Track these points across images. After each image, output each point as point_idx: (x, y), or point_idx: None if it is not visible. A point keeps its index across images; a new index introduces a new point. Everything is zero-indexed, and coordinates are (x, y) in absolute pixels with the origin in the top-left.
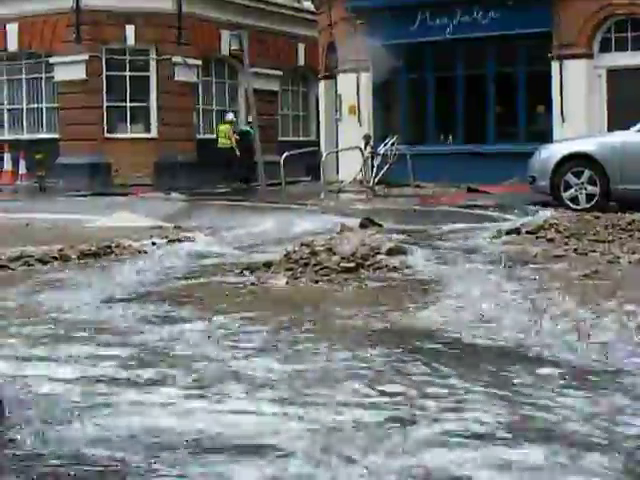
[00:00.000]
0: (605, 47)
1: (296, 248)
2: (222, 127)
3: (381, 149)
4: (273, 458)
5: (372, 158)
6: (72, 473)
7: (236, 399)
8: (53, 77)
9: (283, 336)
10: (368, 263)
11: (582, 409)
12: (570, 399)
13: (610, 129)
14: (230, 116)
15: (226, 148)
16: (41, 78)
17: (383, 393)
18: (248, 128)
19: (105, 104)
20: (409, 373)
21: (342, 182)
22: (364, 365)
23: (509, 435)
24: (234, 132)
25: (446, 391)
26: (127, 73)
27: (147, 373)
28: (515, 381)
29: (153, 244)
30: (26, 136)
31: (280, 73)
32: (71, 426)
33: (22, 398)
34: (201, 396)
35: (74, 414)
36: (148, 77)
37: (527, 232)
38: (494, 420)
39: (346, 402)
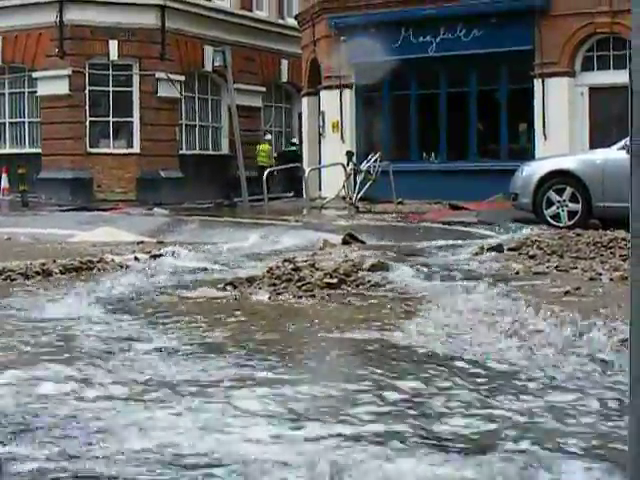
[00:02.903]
0: (587, 65)
1: (279, 264)
2: (264, 147)
3: (364, 166)
4: None
5: (355, 174)
6: None
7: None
8: (36, 91)
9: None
10: (350, 279)
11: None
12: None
13: (592, 147)
14: (269, 136)
15: (264, 166)
16: (24, 92)
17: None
18: (293, 147)
19: (88, 119)
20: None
21: (325, 198)
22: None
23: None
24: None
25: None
26: (110, 88)
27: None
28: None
29: (136, 259)
30: (8, 150)
31: (263, 89)
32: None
33: None
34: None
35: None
36: (131, 92)
37: (509, 249)
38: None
39: None
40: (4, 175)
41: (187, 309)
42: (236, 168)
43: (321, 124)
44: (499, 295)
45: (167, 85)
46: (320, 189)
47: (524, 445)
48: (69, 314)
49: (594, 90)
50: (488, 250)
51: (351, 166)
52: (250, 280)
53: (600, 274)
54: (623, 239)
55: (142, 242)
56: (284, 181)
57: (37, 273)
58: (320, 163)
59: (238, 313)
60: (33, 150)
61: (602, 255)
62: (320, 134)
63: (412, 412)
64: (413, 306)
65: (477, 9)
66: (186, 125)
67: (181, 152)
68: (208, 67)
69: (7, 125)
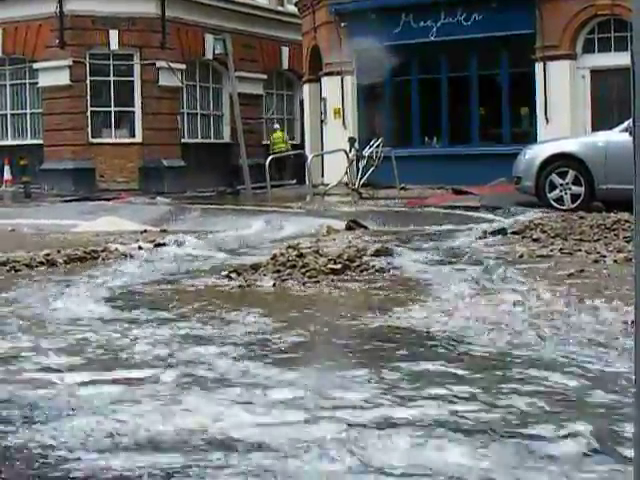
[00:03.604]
0: (588, 48)
1: (283, 250)
2: (279, 134)
3: (366, 151)
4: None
5: (357, 161)
6: None
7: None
8: (37, 82)
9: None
10: (355, 265)
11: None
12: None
13: (594, 129)
14: (277, 125)
15: (281, 152)
16: (25, 84)
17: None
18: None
19: (89, 109)
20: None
21: (327, 185)
22: None
23: None
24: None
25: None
26: (111, 78)
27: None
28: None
29: (140, 248)
30: (10, 142)
31: (264, 77)
32: None
33: None
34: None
35: None
36: (132, 82)
37: (513, 232)
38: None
39: None
40: (6, 166)
41: (191, 297)
42: (238, 156)
43: (323, 111)
44: (503, 279)
45: (168, 74)
46: (323, 176)
47: None
48: (74, 310)
49: (595, 72)
50: (492, 234)
51: (353, 152)
52: (254, 267)
53: (604, 256)
54: (626, 221)
55: (145, 231)
56: (289, 168)
57: (41, 263)
58: (322, 150)
59: (245, 299)
60: (35, 141)
61: (606, 237)
62: (322, 121)
63: None
64: (418, 291)
65: None
66: (188, 114)
67: (183, 141)
68: (209, 55)
69: (9, 116)
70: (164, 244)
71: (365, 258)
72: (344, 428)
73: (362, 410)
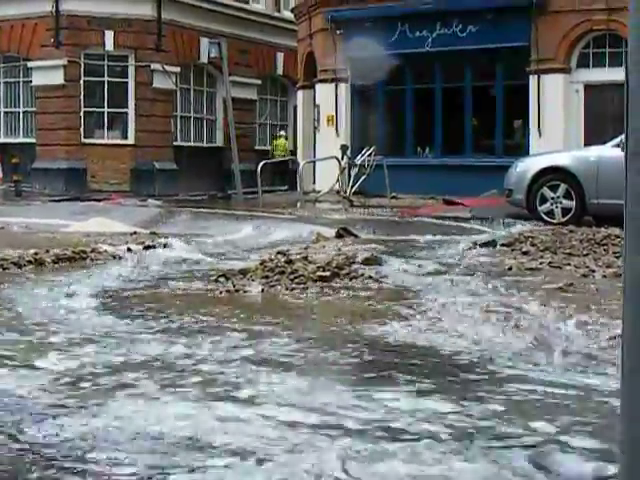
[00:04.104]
0: (583, 62)
1: (272, 256)
2: (281, 141)
3: (358, 159)
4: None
5: (349, 168)
6: None
7: None
8: (31, 81)
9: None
10: (344, 272)
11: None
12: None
13: (587, 144)
14: (283, 132)
15: (283, 159)
16: (19, 82)
17: None
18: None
19: (83, 109)
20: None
21: (319, 192)
22: None
23: None
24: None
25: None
26: (105, 79)
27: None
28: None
29: (129, 250)
30: (3, 140)
31: (259, 82)
32: None
33: None
34: None
35: None
36: (126, 83)
37: (502, 244)
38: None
39: None
40: None
41: (177, 301)
42: (230, 160)
43: (316, 117)
44: (491, 290)
45: (162, 76)
46: (314, 182)
47: None
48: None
49: (589, 87)
50: (481, 245)
51: (345, 160)
52: (243, 272)
53: (593, 271)
54: (617, 236)
55: (135, 233)
56: (278, 174)
57: (30, 262)
58: (314, 156)
59: (230, 304)
60: (27, 140)
61: (595, 252)
62: (315, 127)
63: None
64: (405, 300)
65: (474, 5)
66: (181, 117)
67: (175, 144)
68: (204, 59)
69: (1, 114)
70: (153, 246)
71: (354, 266)
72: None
73: None
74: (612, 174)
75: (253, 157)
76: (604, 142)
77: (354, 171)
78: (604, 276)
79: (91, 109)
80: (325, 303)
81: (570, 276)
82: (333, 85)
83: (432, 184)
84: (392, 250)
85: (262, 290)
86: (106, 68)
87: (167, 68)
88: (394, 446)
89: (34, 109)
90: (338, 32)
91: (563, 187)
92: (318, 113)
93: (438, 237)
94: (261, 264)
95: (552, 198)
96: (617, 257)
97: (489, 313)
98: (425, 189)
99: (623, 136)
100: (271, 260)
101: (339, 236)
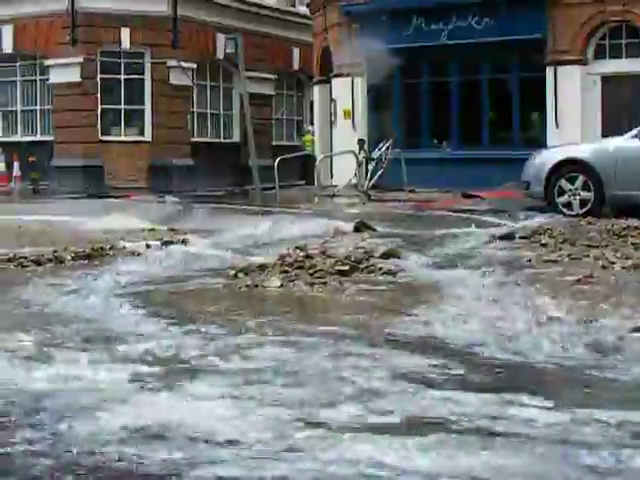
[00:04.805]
0: (600, 54)
1: (291, 251)
2: (309, 137)
3: (375, 153)
4: None
5: (366, 162)
6: None
7: None
8: (48, 79)
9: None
10: (362, 266)
11: None
12: None
13: (604, 135)
14: (310, 127)
15: (297, 154)
16: (36, 80)
17: None
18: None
19: (100, 107)
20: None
21: (336, 186)
22: None
23: None
24: None
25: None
26: (122, 76)
27: None
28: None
29: (147, 246)
30: (20, 138)
31: (275, 77)
32: None
33: None
34: None
35: None
36: (143, 80)
37: (521, 237)
38: None
39: None
40: (16, 163)
41: (196, 297)
42: (247, 156)
43: (332, 112)
44: (510, 283)
45: (179, 73)
46: (332, 177)
47: None
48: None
49: (606, 78)
50: (500, 238)
51: (362, 154)
52: (262, 267)
53: (612, 262)
54: (636, 227)
55: (153, 229)
56: (296, 169)
57: (49, 260)
58: (331, 151)
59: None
60: (45, 138)
61: (614, 243)
62: (331, 122)
63: None
64: (424, 294)
65: None
66: (198, 113)
67: (192, 140)
68: (220, 55)
69: (19, 113)
70: (172, 242)
71: (373, 260)
72: None
73: None
74: (630, 165)
75: (270, 152)
76: (622, 133)
77: (371, 165)
78: (623, 268)
79: (108, 106)
80: (350, 298)
81: (589, 268)
82: (349, 79)
83: (449, 177)
84: (410, 244)
85: (281, 285)
86: (122, 65)
87: (183, 64)
88: None
89: (51, 107)
90: (353, 26)
91: (581, 179)
92: (334, 108)
93: (456, 230)
94: (280, 259)
95: (570, 190)
96: (636, 248)
97: (505, 307)
98: (442, 182)
99: None
100: (289, 255)
101: (357, 230)
